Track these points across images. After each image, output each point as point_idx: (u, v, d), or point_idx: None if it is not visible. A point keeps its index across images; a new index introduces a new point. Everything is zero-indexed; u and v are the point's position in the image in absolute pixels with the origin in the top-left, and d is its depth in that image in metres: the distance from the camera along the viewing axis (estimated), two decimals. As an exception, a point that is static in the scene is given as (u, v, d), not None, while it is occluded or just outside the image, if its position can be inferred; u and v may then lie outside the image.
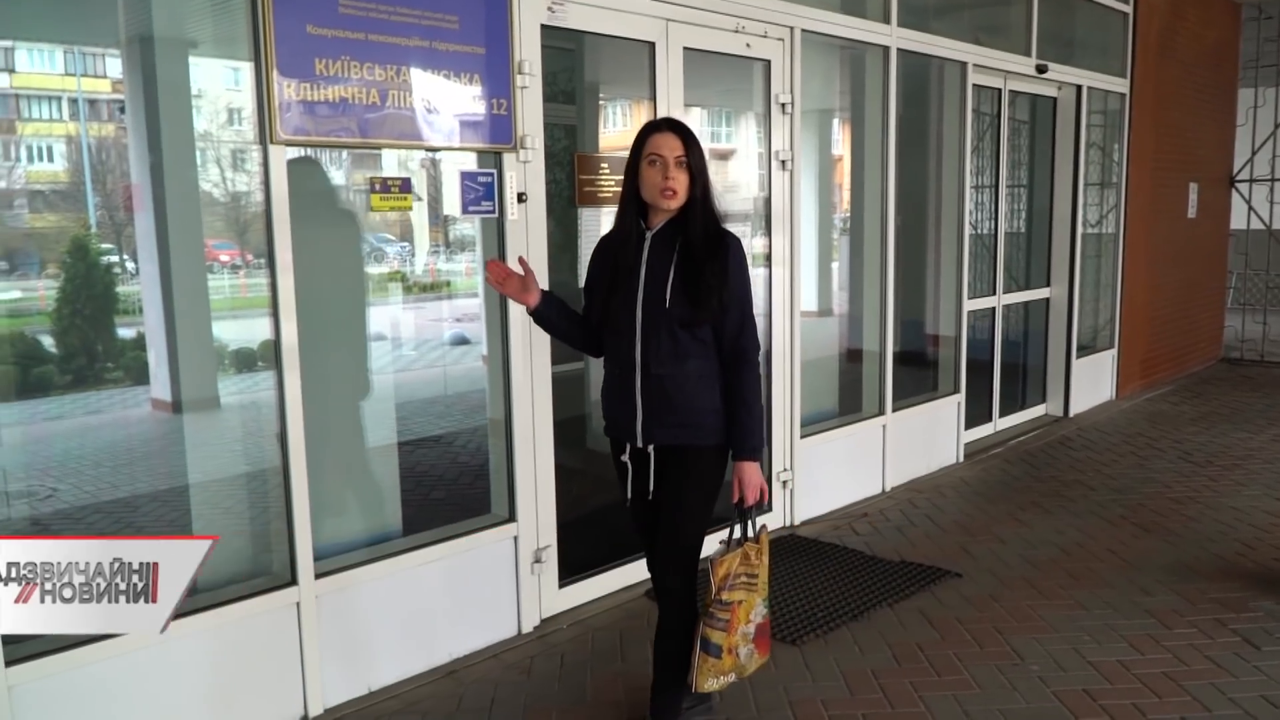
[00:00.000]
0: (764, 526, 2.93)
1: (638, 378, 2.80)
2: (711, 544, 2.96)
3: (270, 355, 3.25)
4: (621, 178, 2.92)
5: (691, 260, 2.75)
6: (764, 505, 2.94)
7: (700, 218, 2.79)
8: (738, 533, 2.88)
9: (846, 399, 5.77)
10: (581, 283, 3.05)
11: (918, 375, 6.34)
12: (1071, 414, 7.72)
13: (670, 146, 2.78)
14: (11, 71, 3.42)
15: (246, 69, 3.18)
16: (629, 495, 2.92)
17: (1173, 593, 4.29)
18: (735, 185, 5.37)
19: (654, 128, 2.83)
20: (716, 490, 2.89)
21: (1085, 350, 7.97)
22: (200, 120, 3.38)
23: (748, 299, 2.84)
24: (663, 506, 2.87)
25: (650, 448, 2.85)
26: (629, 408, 2.83)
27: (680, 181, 2.77)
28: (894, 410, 5.86)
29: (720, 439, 2.85)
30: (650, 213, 2.84)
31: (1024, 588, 4.37)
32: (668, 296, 2.75)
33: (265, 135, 3.13)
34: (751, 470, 2.82)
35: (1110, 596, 4.26)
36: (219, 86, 3.44)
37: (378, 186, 3.47)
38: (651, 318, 2.77)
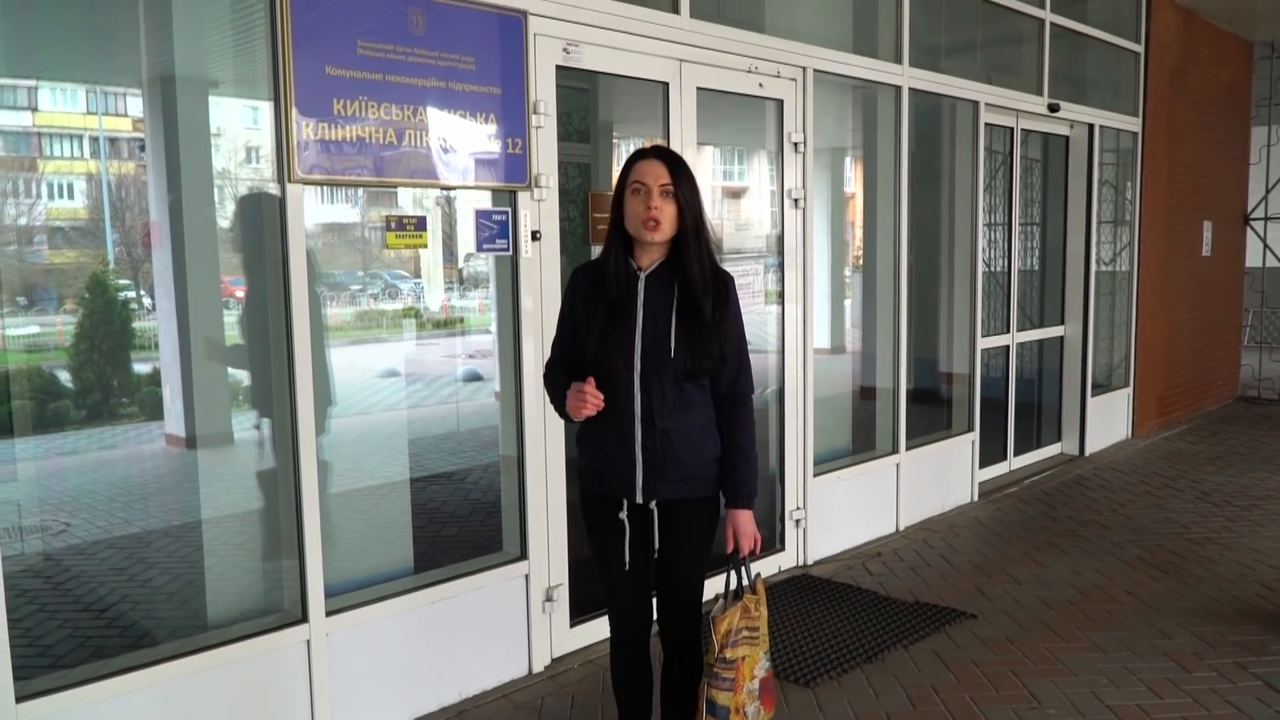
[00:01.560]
0: (759, 575, 2.78)
1: (638, 430, 2.61)
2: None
3: (285, 390, 3.27)
4: None
5: (694, 307, 2.60)
6: (757, 554, 2.79)
7: (695, 255, 2.61)
8: (733, 583, 2.75)
9: (860, 437, 5.75)
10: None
11: (931, 413, 6.32)
12: (1087, 453, 7.68)
13: (655, 174, 2.61)
14: (35, 110, 3.48)
15: (266, 108, 3.23)
16: (626, 558, 2.70)
17: (1192, 635, 4.24)
18: (748, 223, 5.41)
19: (639, 155, 2.67)
20: (714, 532, 2.79)
21: (1100, 388, 7.94)
22: (219, 159, 3.43)
23: (744, 341, 2.74)
24: (663, 561, 2.73)
25: (653, 504, 2.68)
26: (627, 461, 2.63)
27: (666, 212, 2.59)
28: (908, 449, 5.84)
29: (718, 486, 2.75)
30: (637, 249, 2.66)
31: (1040, 630, 4.32)
32: (672, 345, 2.59)
33: (283, 174, 3.17)
34: (747, 519, 2.68)
35: (1128, 639, 4.21)
36: (238, 125, 3.49)
37: (393, 225, 3.51)
38: (653, 367, 2.60)
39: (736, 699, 2.65)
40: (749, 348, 2.77)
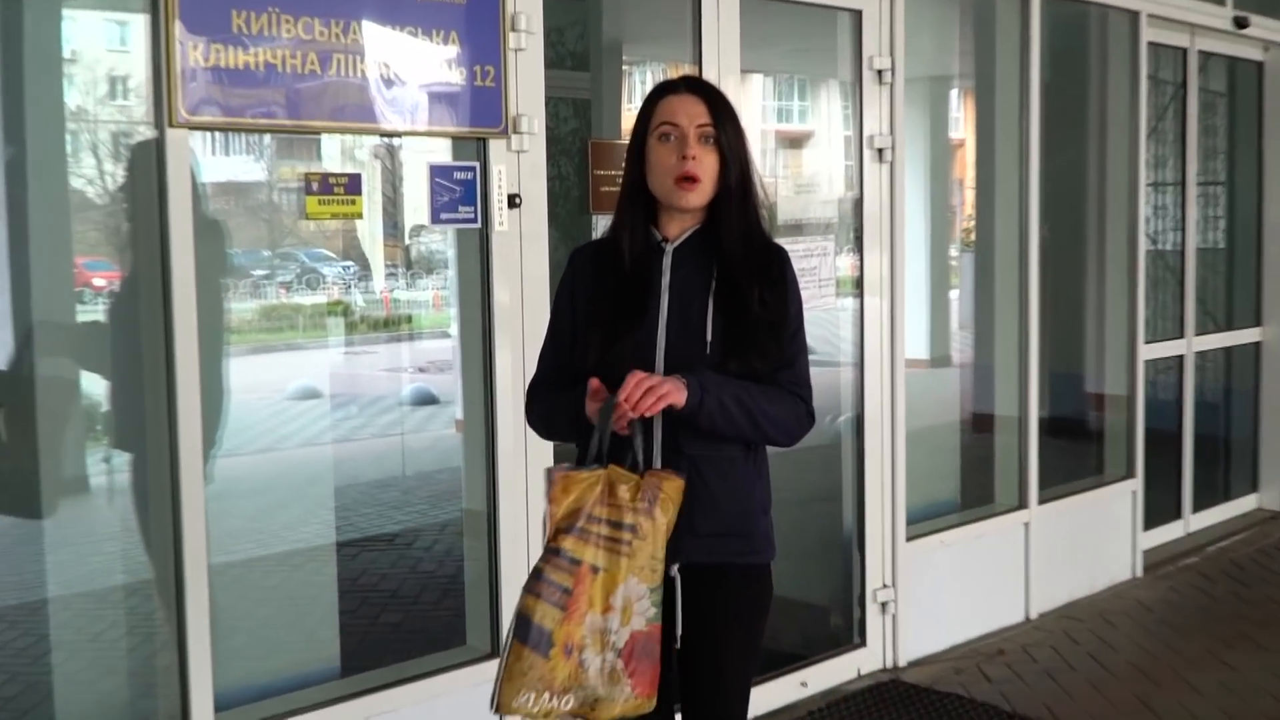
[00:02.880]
0: (671, 472, 2.55)
1: (657, 462, 2.64)
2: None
3: (162, 418, 3.33)
4: None
5: (739, 290, 2.65)
6: (638, 414, 2.50)
7: (738, 221, 2.67)
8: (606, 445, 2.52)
9: (972, 485, 5.76)
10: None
11: (1074, 452, 6.32)
12: (1296, 509, 7.69)
13: (691, 113, 2.64)
14: None
15: (138, 24, 3.27)
16: None
17: None
18: (812, 182, 5.44)
19: (666, 89, 2.70)
20: (764, 619, 2.79)
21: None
22: (73, 94, 3.50)
23: (802, 335, 2.78)
24: (690, 658, 2.71)
25: (675, 570, 2.66)
26: None
27: (706, 164, 2.63)
28: (1041, 502, 5.84)
29: (770, 552, 2.75)
30: (663, 216, 2.72)
31: (1230, 759, 4.34)
32: (708, 342, 2.65)
33: (163, 114, 3.22)
34: (671, 382, 2.51)
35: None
36: (99, 48, 3.57)
37: (315, 186, 3.55)
38: (681, 368, 2.62)
39: (568, 629, 2.43)
40: (810, 357, 2.81)
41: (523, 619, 2.43)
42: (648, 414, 2.49)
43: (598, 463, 2.51)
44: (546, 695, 2.41)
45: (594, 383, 2.58)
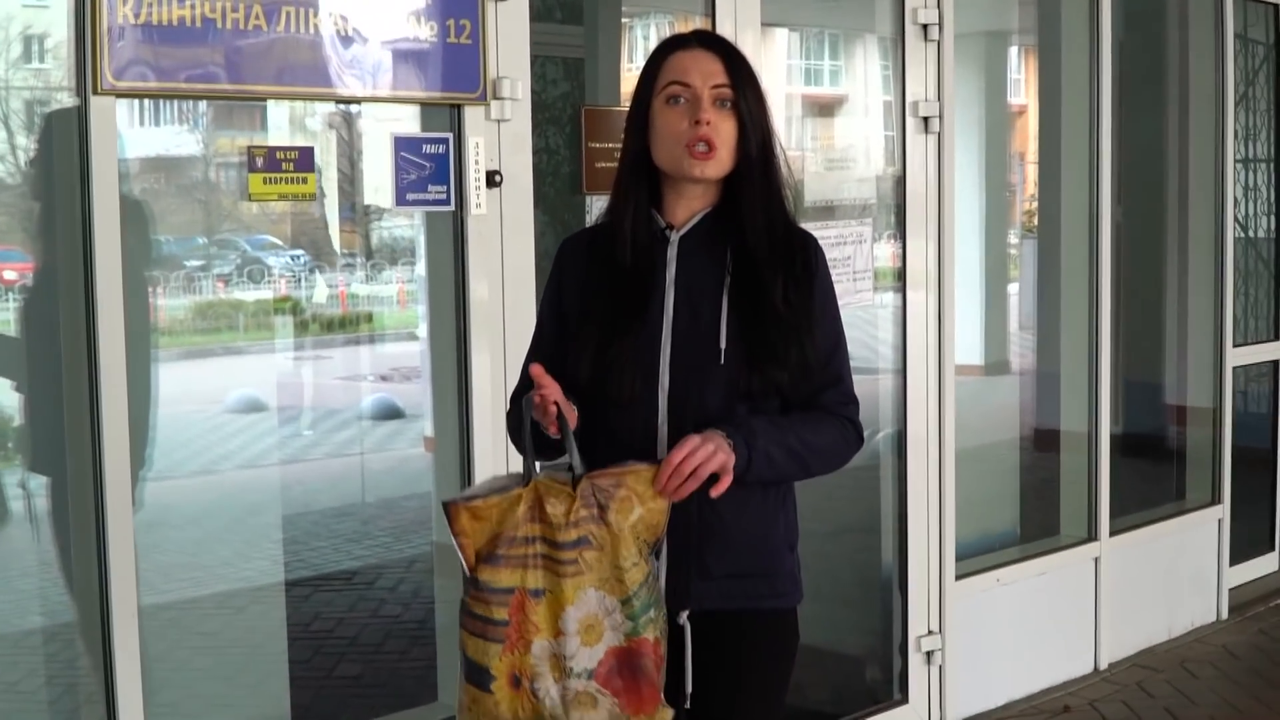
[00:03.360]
0: (632, 463, 2.53)
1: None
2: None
3: (84, 433, 3.31)
4: None
5: (758, 283, 2.64)
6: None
7: (760, 202, 2.66)
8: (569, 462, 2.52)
9: (1033, 514, 5.74)
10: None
11: (1151, 474, 6.31)
12: None
13: (705, 71, 2.62)
14: None
15: None
16: None
17: None
18: (845, 156, 5.43)
19: (675, 43, 2.69)
20: (789, 673, 2.78)
21: None
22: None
23: (842, 338, 2.76)
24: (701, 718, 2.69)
25: (684, 617, 2.67)
26: None
27: (723, 131, 2.62)
28: (1112, 533, 5.82)
29: (797, 595, 2.75)
30: (668, 198, 2.71)
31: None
32: (721, 346, 2.64)
33: (85, 79, 3.19)
34: (718, 440, 2.48)
35: None
36: (11, 3, 3.55)
37: (259, 161, 3.53)
38: (692, 381, 2.62)
39: (510, 660, 2.49)
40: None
41: (462, 655, 2.56)
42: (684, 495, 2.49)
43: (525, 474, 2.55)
44: None
45: (535, 368, 2.53)
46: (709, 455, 2.46)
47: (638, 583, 2.49)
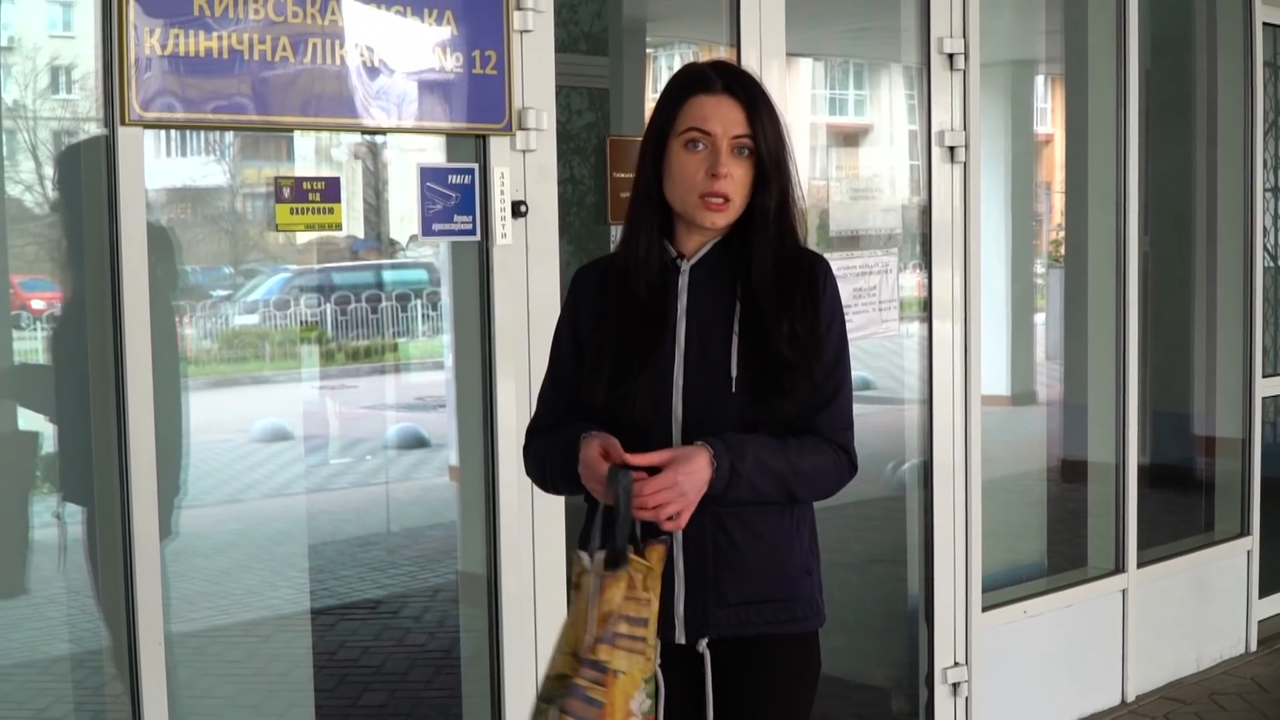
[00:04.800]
0: (662, 540, 2.56)
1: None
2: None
3: (112, 463, 3.33)
4: None
5: (764, 320, 2.64)
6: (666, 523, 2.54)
7: (772, 244, 2.66)
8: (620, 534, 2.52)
9: (1059, 545, 5.72)
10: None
11: (1180, 505, 6.27)
12: None
13: (726, 119, 2.61)
14: None
15: (86, 6, 3.29)
16: None
17: None
18: (870, 186, 5.44)
19: (698, 83, 2.66)
20: (810, 699, 2.78)
21: None
22: (10, 87, 3.52)
23: (848, 368, 2.75)
24: None
25: (703, 645, 2.68)
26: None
27: (738, 179, 2.62)
28: (1140, 565, 5.80)
29: (818, 619, 2.75)
30: (679, 228, 2.72)
31: None
32: (732, 376, 2.65)
33: (114, 110, 3.23)
34: (702, 467, 2.52)
35: None
36: (40, 32, 3.59)
37: (286, 192, 3.55)
38: (704, 411, 2.63)
39: None
40: (854, 389, 2.78)
41: None
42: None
43: (615, 563, 2.49)
44: None
45: (594, 450, 2.54)
46: (683, 490, 2.48)
47: (654, 661, 2.53)
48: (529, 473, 2.86)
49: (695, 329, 2.66)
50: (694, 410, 2.62)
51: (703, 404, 2.62)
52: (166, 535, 3.45)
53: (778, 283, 2.65)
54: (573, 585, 2.55)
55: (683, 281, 2.69)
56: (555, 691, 2.48)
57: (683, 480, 2.49)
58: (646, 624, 2.49)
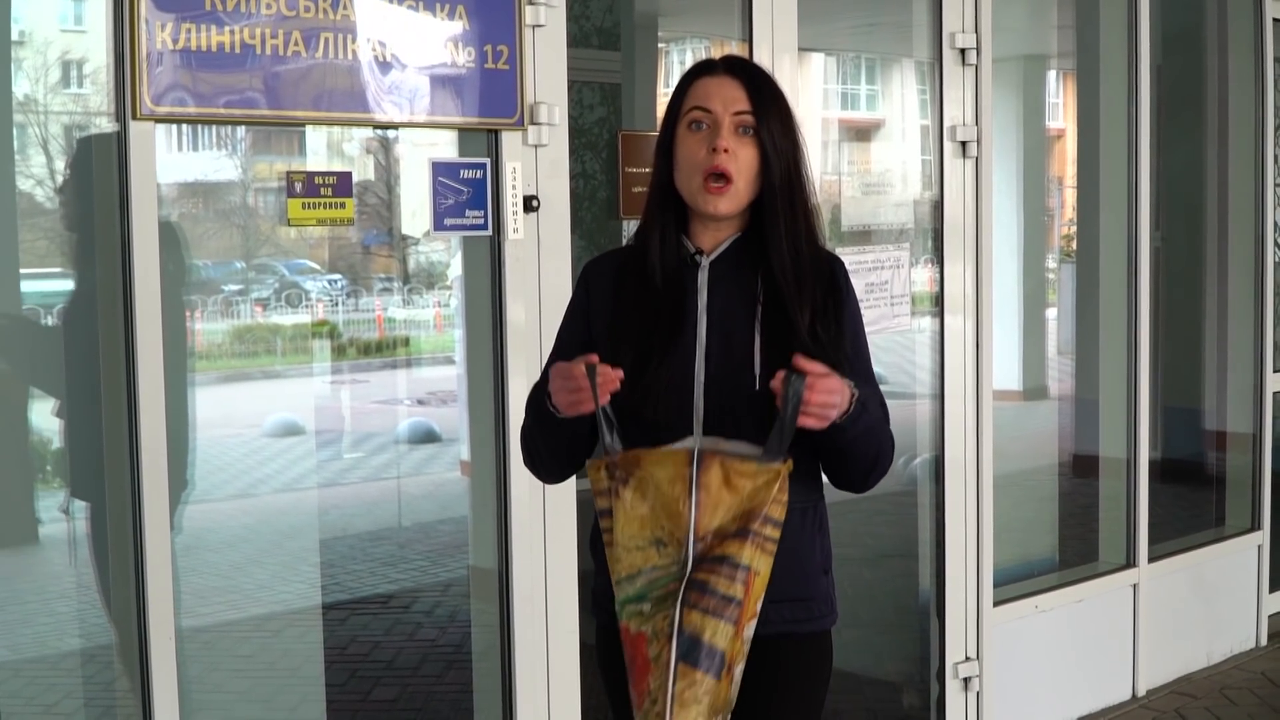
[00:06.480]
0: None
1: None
2: None
3: (123, 457, 3.33)
4: None
5: (786, 316, 2.63)
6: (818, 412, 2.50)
7: (786, 231, 2.65)
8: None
9: (1071, 540, 5.71)
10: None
11: (1191, 500, 6.26)
12: None
13: (726, 97, 2.61)
14: None
15: (97, 1, 3.29)
16: None
17: None
18: (882, 181, 5.42)
19: (702, 68, 2.68)
20: (823, 698, 2.79)
21: None
22: (21, 81, 3.52)
23: (869, 362, 2.76)
24: None
25: None
26: None
27: (742, 159, 2.60)
28: (1151, 559, 5.80)
29: (833, 617, 2.75)
30: (696, 223, 2.71)
31: None
32: (756, 372, 2.63)
33: (125, 104, 3.23)
34: (847, 387, 2.51)
35: None
36: (52, 28, 3.59)
37: (298, 186, 3.55)
38: (726, 409, 2.62)
39: (737, 645, 2.47)
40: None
41: (692, 639, 2.43)
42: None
43: (778, 455, 2.48)
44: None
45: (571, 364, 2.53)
46: (840, 399, 2.48)
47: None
48: (524, 460, 2.84)
49: (716, 326, 2.65)
50: (715, 407, 2.61)
51: (725, 401, 2.61)
52: (176, 530, 3.45)
53: (797, 277, 2.63)
54: (605, 491, 2.53)
55: (702, 278, 2.68)
56: (651, 591, 2.48)
57: (844, 388, 2.50)
58: (781, 527, 2.49)
